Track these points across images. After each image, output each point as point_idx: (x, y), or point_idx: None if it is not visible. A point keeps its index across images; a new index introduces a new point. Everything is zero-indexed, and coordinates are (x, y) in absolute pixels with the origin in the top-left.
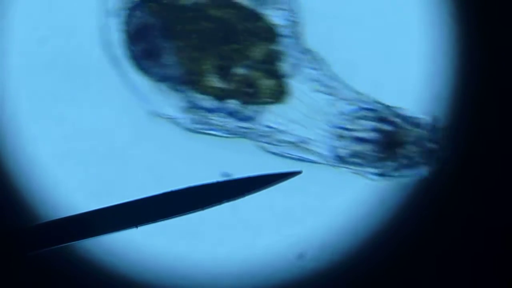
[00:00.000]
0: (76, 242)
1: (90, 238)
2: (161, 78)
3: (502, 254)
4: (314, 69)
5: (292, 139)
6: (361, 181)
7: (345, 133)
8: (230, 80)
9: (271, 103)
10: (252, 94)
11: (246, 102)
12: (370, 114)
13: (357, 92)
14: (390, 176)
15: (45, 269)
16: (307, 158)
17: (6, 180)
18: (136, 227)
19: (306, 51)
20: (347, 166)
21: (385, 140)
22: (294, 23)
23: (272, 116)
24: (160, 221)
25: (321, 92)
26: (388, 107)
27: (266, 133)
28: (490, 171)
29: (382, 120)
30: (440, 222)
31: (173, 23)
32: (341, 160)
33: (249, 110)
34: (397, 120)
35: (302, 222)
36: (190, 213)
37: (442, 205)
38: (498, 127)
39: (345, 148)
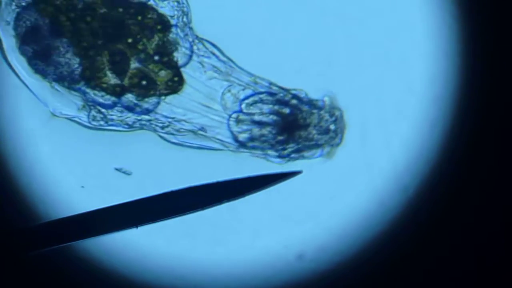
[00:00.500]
0: (76, 242)
1: (90, 238)
2: (56, 78)
3: (502, 254)
4: (208, 56)
5: (191, 128)
6: (361, 182)
7: (244, 117)
8: (124, 74)
9: (168, 94)
10: (147, 87)
11: (142, 95)
12: (268, 98)
13: (254, 77)
14: (290, 158)
15: (45, 269)
16: (208, 146)
17: (6, 180)
18: (136, 227)
19: (199, 39)
20: (248, 150)
21: (284, 122)
22: (183, 13)
23: (170, 106)
24: (160, 221)
25: (216, 79)
26: (286, 90)
27: (165, 124)
28: (491, 171)
29: (280, 103)
30: (440, 224)
31: (62, 22)
32: (242, 145)
33: (146, 102)
34: (296, 102)
35: (301, 223)
36: (190, 213)
37: (442, 206)
38: (500, 128)
39: (245, 132)
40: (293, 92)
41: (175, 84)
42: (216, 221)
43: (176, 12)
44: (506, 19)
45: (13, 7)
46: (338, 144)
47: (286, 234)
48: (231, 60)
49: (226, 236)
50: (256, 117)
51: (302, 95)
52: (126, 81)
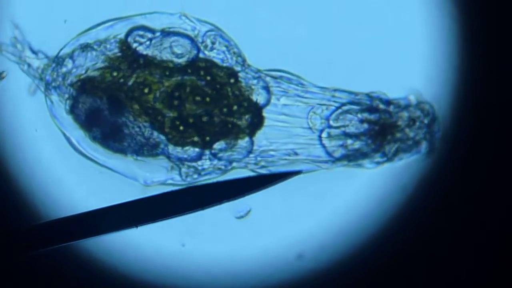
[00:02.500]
0: (76, 242)
1: (90, 238)
2: (136, 150)
3: (503, 254)
4: (279, 84)
5: (283, 155)
6: (361, 181)
7: (335, 132)
8: (209, 131)
9: (253, 132)
10: (232, 133)
11: (230, 143)
12: (352, 107)
13: (327, 90)
14: (391, 161)
15: (45, 269)
16: (307, 169)
17: (7, 180)
18: (136, 227)
19: (263, 73)
20: (347, 164)
21: (376, 129)
22: (235, 54)
23: (257, 142)
24: (160, 221)
25: (295, 103)
26: (367, 95)
27: (257, 159)
28: (492, 171)
29: (367, 110)
30: (439, 223)
31: (116, 94)
32: (340, 159)
33: (236, 148)
34: (382, 106)
35: (301, 223)
36: (190, 213)
37: (441, 205)
38: (499, 128)
39: (340, 147)
40: (374, 95)
41: (258, 123)
42: (216, 220)
43: (229, 56)
44: (505, 19)
45: (65, 96)
46: (437, 136)
47: (285, 233)
48: (301, 80)
49: (226, 236)
50: (348, 129)
51: (383, 97)
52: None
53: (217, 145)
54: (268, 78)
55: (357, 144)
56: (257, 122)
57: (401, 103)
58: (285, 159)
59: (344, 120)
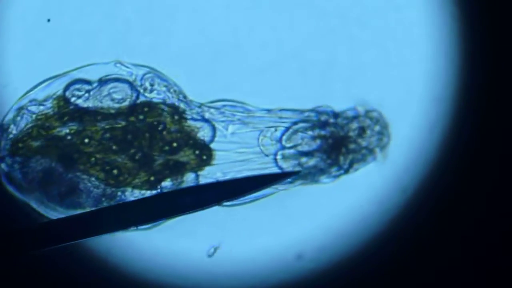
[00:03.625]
0: (76, 242)
1: (90, 238)
2: (94, 203)
3: (502, 254)
4: (223, 114)
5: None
6: (361, 183)
7: (289, 152)
8: (151, 170)
9: (203, 166)
10: (179, 170)
11: (178, 179)
12: (302, 125)
13: (273, 112)
14: (348, 173)
15: (45, 269)
16: (260, 195)
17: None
18: (136, 227)
19: (205, 105)
20: (304, 182)
21: (329, 143)
22: (176, 92)
23: (210, 174)
24: (160, 221)
25: (244, 130)
26: (313, 111)
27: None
28: (491, 171)
29: (317, 125)
30: (439, 224)
31: (68, 152)
32: (297, 179)
33: (184, 182)
34: (331, 120)
35: (301, 223)
36: (190, 213)
37: (441, 206)
38: (500, 128)
39: (295, 166)
40: (321, 109)
41: (207, 157)
42: (216, 221)
43: (170, 95)
44: (506, 19)
45: (12, 167)
46: (388, 143)
47: (285, 233)
48: (245, 106)
49: (226, 236)
50: (301, 148)
51: (330, 110)
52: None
53: (164, 184)
54: (212, 110)
55: (312, 161)
56: (207, 157)
57: (349, 115)
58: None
59: (296, 139)
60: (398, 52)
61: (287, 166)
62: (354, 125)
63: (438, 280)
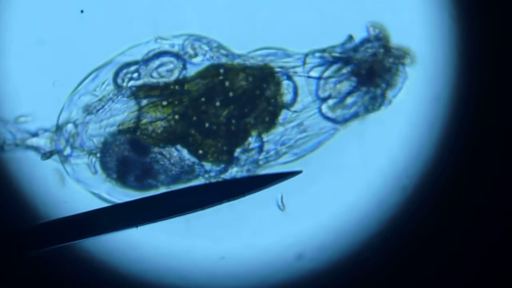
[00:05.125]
0: (76, 242)
1: (90, 238)
2: (173, 179)
3: (503, 253)
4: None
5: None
6: (361, 182)
7: (331, 101)
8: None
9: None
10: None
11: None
12: (332, 69)
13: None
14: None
15: (45, 269)
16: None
17: (7, 180)
18: (136, 227)
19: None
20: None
21: (362, 76)
22: (219, 48)
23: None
24: (160, 221)
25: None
26: (334, 49)
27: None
28: (491, 170)
29: (344, 65)
30: (439, 223)
31: (134, 137)
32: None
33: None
34: (352, 53)
35: (301, 222)
36: (190, 213)
37: (441, 205)
38: (499, 128)
39: (345, 109)
40: (338, 48)
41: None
42: (216, 220)
43: (215, 54)
44: (505, 19)
45: (91, 158)
46: (409, 50)
47: (285, 233)
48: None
49: (226, 236)
50: (342, 92)
51: (347, 45)
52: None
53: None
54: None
55: (354, 97)
56: (270, 120)
57: (367, 40)
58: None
59: (330, 87)
60: None
61: (337, 115)
62: (375, 48)
63: (439, 279)
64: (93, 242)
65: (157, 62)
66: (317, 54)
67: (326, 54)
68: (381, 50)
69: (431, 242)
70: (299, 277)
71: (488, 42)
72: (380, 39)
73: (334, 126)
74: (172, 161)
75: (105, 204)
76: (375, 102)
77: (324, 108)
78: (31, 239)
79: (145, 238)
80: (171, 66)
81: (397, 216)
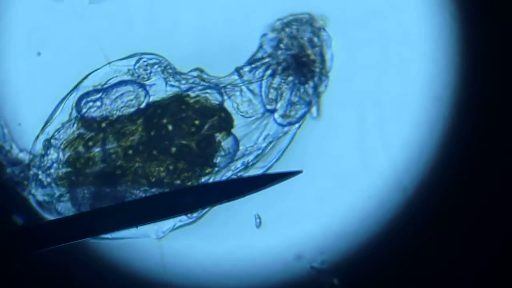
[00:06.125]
0: (76, 242)
1: (90, 238)
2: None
3: (503, 253)
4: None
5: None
6: (362, 182)
7: (283, 111)
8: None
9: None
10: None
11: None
12: (266, 73)
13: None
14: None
15: (45, 269)
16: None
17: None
18: (136, 227)
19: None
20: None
21: (295, 67)
22: (166, 67)
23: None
24: (160, 221)
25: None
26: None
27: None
28: (491, 170)
29: (271, 70)
30: (439, 224)
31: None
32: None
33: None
34: (277, 52)
35: (300, 223)
36: (190, 213)
37: (441, 206)
38: (500, 128)
39: (291, 112)
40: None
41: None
42: (216, 220)
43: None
44: (505, 19)
45: (62, 200)
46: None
47: (285, 234)
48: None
49: (226, 236)
50: (285, 95)
51: (266, 46)
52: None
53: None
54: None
55: (298, 93)
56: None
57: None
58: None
59: (273, 94)
60: (397, 52)
61: (294, 114)
62: (296, 40)
63: (438, 280)
64: (93, 242)
65: (117, 93)
66: (246, 68)
67: (256, 64)
68: (293, 39)
69: (431, 242)
70: (299, 277)
71: (490, 41)
72: (284, 28)
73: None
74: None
75: (105, 204)
76: (319, 84)
77: (278, 117)
78: (31, 239)
79: (145, 238)
80: (132, 95)
81: (398, 217)
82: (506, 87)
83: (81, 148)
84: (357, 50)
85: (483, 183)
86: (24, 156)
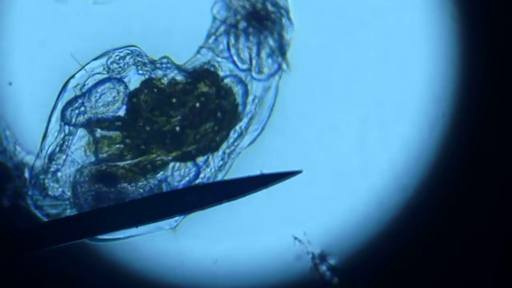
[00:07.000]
0: (76, 242)
1: (90, 238)
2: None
3: (504, 253)
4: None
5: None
6: (361, 182)
7: (254, 64)
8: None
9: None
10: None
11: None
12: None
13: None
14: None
15: (45, 269)
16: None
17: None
18: (136, 227)
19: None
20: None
21: (257, 26)
22: (137, 55)
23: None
24: (160, 221)
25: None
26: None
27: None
28: (491, 170)
29: (232, 31)
30: (440, 223)
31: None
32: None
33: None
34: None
35: (301, 223)
36: (190, 213)
37: (442, 206)
38: (500, 128)
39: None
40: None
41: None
42: (216, 220)
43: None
44: (506, 19)
45: (64, 202)
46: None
47: (285, 233)
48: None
49: (226, 236)
50: (253, 50)
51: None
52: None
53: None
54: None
55: (270, 41)
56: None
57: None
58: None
59: (244, 55)
60: (397, 52)
61: (268, 68)
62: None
63: (439, 280)
64: (93, 242)
65: (98, 94)
66: (211, 41)
67: (218, 31)
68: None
69: (431, 242)
70: (298, 277)
71: (490, 42)
72: None
73: (273, 77)
74: (139, 187)
75: (105, 204)
76: (282, 35)
77: (255, 74)
78: (31, 239)
79: (145, 238)
80: (113, 92)
81: (398, 217)
82: (506, 87)
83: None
84: (357, 50)
85: (483, 183)
86: (31, 159)
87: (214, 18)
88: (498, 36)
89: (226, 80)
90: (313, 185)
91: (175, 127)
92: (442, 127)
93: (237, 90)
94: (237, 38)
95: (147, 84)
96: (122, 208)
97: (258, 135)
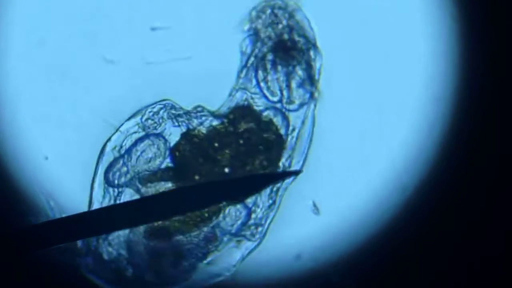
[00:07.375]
0: (76, 242)
1: (90, 238)
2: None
3: (503, 254)
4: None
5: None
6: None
7: (286, 97)
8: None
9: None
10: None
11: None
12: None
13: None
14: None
15: (45, 269)
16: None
17: (7, 180)
18: (136, 227)
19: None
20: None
21: (283, 56)
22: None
23: None
24: (160, 221)
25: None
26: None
27: None
28: (491, 171)
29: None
30: (439, 223)
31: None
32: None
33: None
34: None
35: (300, 222)
36: (190, 213)
37: (441, 206)
38: (500, 128)
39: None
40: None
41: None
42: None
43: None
44: (506, 19)
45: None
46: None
47: (284, 233)
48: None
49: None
50: (282, 82)
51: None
52: None
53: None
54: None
55: (299, 72)
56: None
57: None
58: None
59: (273, 86)
60: (397, 52)
61: (299, 97)
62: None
63: (438, 280)
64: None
65: (138, 151)
66: (241, 80)
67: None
68: (269, 29)
69: (430, 242)
70: (298, 277)
71: (490, 42)
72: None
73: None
74: (194, 237)
75: (105, 204)
76: (310, 64)
77: (286, 105)
78: (31, 239)
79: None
80: (153, 148)
81: (397, 216)
82: (506, 87)
83: None
84: (356, 50)
85: (483, 183)
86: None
87: (243, 54)
88: (498, 36)
89: (264, 113)
90: (313, 185)
91: (224, 169)
92: (441, 126)
93: (277, 120)
94: (265, 71)
95: (186, 136)
96: (122, 208)
97: (302, 168)
